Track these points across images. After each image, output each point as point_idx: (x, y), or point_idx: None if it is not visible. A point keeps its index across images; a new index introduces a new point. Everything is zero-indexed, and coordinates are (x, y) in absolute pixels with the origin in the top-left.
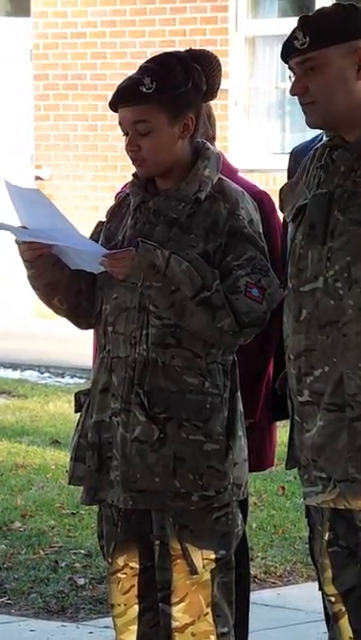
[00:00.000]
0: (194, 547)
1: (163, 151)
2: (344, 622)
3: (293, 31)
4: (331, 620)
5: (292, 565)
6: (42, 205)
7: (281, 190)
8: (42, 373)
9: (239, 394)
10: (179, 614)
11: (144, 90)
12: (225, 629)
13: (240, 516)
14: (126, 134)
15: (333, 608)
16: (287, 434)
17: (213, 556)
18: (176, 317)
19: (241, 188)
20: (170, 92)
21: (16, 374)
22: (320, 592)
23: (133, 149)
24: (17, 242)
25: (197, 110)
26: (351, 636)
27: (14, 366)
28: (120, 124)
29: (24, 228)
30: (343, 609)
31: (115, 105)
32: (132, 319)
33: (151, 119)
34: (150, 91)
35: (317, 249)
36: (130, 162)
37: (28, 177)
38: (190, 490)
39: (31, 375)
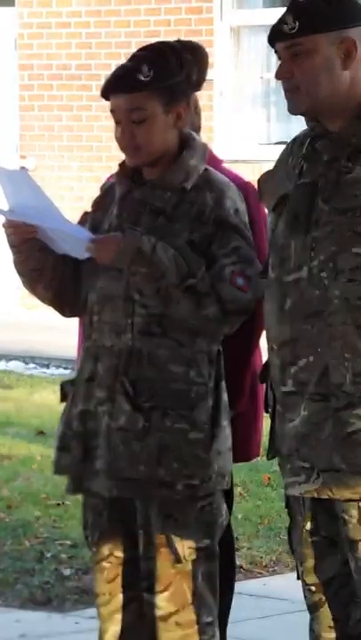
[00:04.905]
0: (178, 536)
1: (156, 139)
2: (325, 611)
3: (283, 15)
4: (310, 609)
5: (277, 555)
6: (27, 186)
7: (259, 180)
8: (27, 364)
9: (224, 383)
10: (163, 603)
11: (142, 78)
12: (209, 619)
13: (224, 505)
14: (118, 122)
15: (313, 597)
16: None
17: (197, 546)
18: (162, 304)
19: (227, 179)
20: (166, 80)
21: (1, 365)
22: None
23: (127, 137)
24: (4, 225)
25: (188, 100)
26: (331, 624)
27: None
28: (112, 111)
29: (10, 210)
30: (323, 598)
31: (108, 93)
32: (118, 308)
33: (147, 107)
34: (148, 79)
35: (301, 238)
36: (115, 152)
37: (12, 167)
38: (175, 478)
39: (17, 366)
